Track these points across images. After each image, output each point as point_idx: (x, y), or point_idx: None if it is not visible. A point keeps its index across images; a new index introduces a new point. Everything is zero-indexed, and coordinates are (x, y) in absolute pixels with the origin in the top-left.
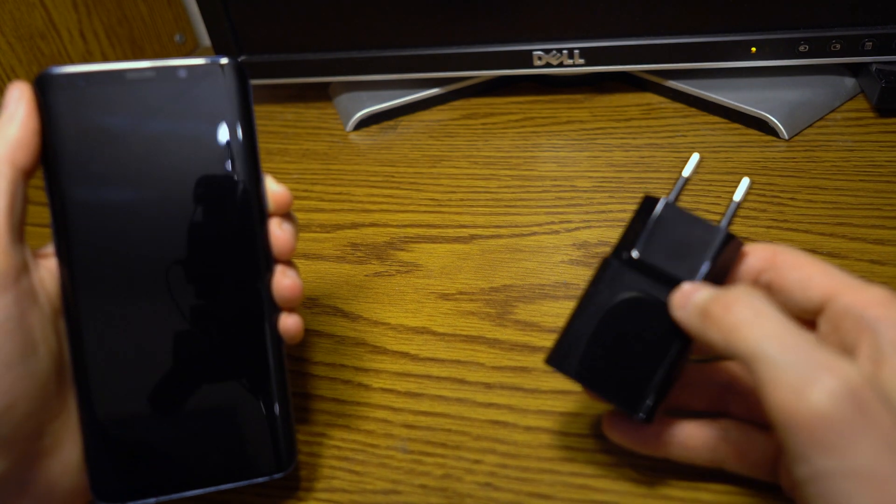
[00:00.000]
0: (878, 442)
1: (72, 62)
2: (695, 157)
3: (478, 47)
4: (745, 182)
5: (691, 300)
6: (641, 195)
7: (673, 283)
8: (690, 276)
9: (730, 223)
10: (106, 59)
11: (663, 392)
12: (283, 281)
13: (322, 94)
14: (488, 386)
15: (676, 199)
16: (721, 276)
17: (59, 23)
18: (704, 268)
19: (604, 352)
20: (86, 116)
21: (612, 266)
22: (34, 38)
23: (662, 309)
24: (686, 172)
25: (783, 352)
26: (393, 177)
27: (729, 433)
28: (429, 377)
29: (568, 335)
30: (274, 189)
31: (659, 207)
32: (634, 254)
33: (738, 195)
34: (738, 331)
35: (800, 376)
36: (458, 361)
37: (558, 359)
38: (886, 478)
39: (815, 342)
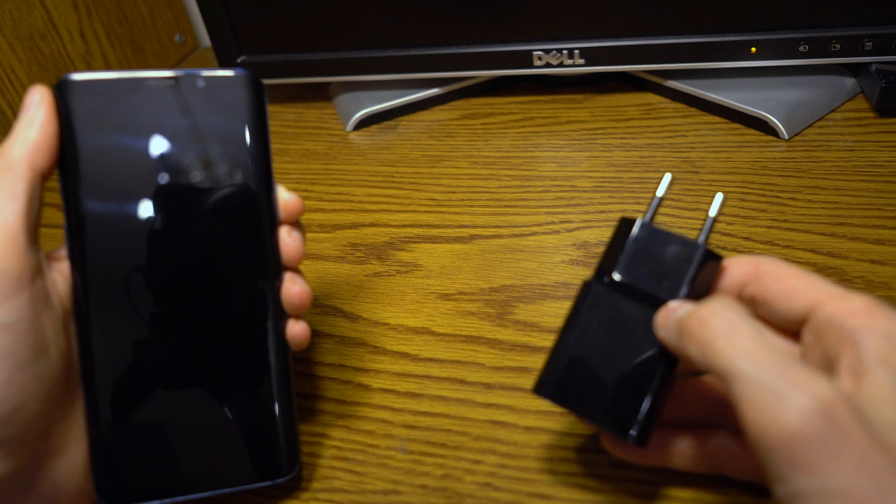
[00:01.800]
0: (853, 460)
1: (72, 62)
2: (667, 177)
3: (478, 47)
4: (718, 197)
5: (671, 318)
6: (641, 195)
7: (655, 302)
8: (672, 295)
9: (707, 238)
10: (106, 59)
11: (653, 413)
12: (293, 288)
13: (322, 94)
14: (488, 386)
15: (652, 218)
16: (703, 291)
17: (59, 23)
18: (686, 285)
19: (591, 377)
20: (104, 122)
21: (595, 289)
22: (34, 38)
23: (646, 330)
24: (660, 192)
25: (757, 369)
26: (393, 177)
27: (727, 442)
28: (429, 377)
29: (554, 362)
30: (285, 198)
31: (636, 228)
32: (616, 276)
33: (713, 211)
34: (713, 345)
35: (773, 395)
36: (458, 362)
37: (546, 387)
38: (862, 497)
39: (789, 358)
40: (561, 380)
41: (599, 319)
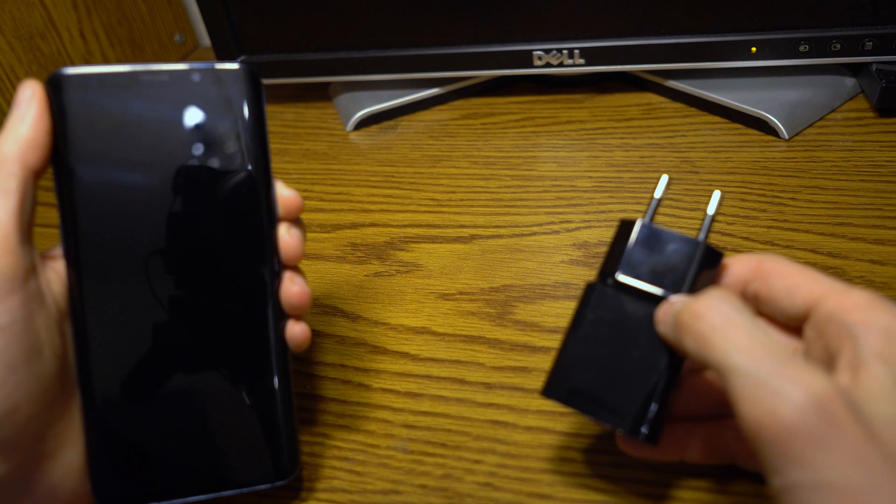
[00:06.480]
0: (847, 454)
1: (72, 62)
2: (664, 179)
3: (478, 47)
4: (716, 195)
5: (669, 312)
6: (641, 195)
7: (658, 301)
8: (674, 292)
9: (707, 236)
10: (106, 59)
11: (663, 411)
12: (292, 288)
13: (322, 94)
14: (488, 386)
15: (652, 218)
16: (705, 288)
17: (59, 23)
18: (688, 282)
19: (599, 377)
20: (97, 118)
21: (598, 291)
22: (34, 38)
23: (651, 328)
24: (657, 194)
25: (752, 363)
26: (393, 177)
27: (737, 433)
28: (429, 377)
29: (561, 364)
30: (284, 194)
31: (636, 229)
32: (618, 277)
33: (711, 208)
34: (708, 339)
35: (768, 388)
36: (458, 361)
37: (554, 389)
38: (855, 490)
39: (785, 352)
40: (569, 381)
41: (604, 320)
